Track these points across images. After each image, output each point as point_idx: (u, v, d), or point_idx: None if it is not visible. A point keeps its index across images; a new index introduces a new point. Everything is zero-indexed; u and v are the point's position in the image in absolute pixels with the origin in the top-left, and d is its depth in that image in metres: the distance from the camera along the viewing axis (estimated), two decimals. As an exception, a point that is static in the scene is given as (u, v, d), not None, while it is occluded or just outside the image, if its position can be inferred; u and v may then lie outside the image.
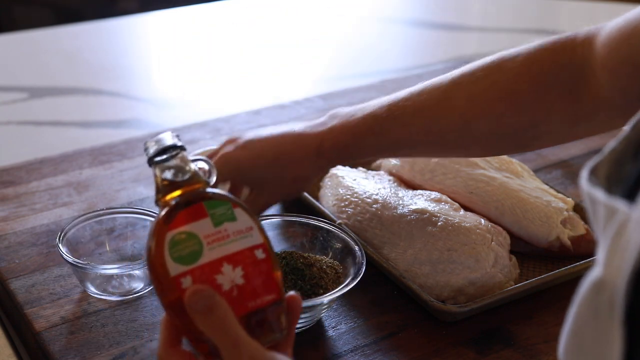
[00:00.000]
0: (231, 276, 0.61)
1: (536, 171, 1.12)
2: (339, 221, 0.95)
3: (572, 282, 0.92)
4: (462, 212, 0.93)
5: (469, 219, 0.91)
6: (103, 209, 0.95)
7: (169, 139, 0.64)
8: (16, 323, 0.90)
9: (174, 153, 0.63)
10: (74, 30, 1.87)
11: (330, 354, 0.82)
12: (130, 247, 0.94)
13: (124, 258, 0.94)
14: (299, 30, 1.94)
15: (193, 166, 0.63)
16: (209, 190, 0.63)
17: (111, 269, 0.88)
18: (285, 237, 0.92)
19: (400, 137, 0.85)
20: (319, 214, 0.97)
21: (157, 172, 0.63)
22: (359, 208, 0.96)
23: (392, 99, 0.85)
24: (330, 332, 0.85)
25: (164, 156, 0.63)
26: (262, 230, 0.63)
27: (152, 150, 0.63)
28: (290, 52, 1.80)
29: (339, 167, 1.06)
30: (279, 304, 0.62)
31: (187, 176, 0.63)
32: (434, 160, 1.02)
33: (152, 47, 1.87)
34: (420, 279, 0.88)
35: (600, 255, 0.42)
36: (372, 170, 1.09)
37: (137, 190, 1.10)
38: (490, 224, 0.92)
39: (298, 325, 0.83)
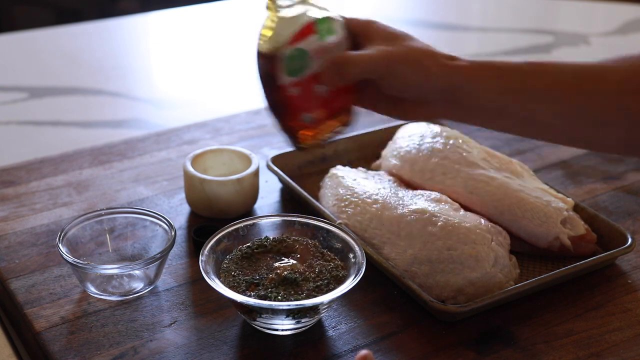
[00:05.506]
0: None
1: (536, 171, 1.12)
2: (339, 221, 0.95)
3: (572, 282, 0.92)
4: (462, 212, 0.93)
5: (469, 219, 0.91)
6: (103, 209, 0.95)
7: None
8: (16, 323, 0.90)
9: None
10: (74, 30, 1.87)
11: (330, 354, 0.82)
12: (130, 247, 0.94)
13: (124, 258, 0.94)
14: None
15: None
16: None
17: (111, 269, 0.88)
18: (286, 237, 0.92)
19: (547, 85, 0.76)
20: (319, 214, 0.97)
21: None
22: (359, 208, 0.96)
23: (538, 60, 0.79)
24: (330, 332, 0.85)
25: None
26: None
27: None
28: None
29: (339, 167, 1.06)
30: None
31: None
32: (434, 160, 1.02)
33: (152, 47, 1.87)
34: (420, 278, 0.88)
35: None
36: (372, 170, 1.09)
37: (137, 190, 1.10)
38: (490, 224, 0.92)
39: (298, 326, 0.83)
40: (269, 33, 0.76)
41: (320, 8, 0.80)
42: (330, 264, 0.85)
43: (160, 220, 0.93)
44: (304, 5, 0.79)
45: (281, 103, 0.78)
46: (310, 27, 0.77)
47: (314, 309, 0.80)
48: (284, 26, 0.77)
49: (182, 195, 1.07)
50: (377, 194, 0.97)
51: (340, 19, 0.81)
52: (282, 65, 0.76)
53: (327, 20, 0.79)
